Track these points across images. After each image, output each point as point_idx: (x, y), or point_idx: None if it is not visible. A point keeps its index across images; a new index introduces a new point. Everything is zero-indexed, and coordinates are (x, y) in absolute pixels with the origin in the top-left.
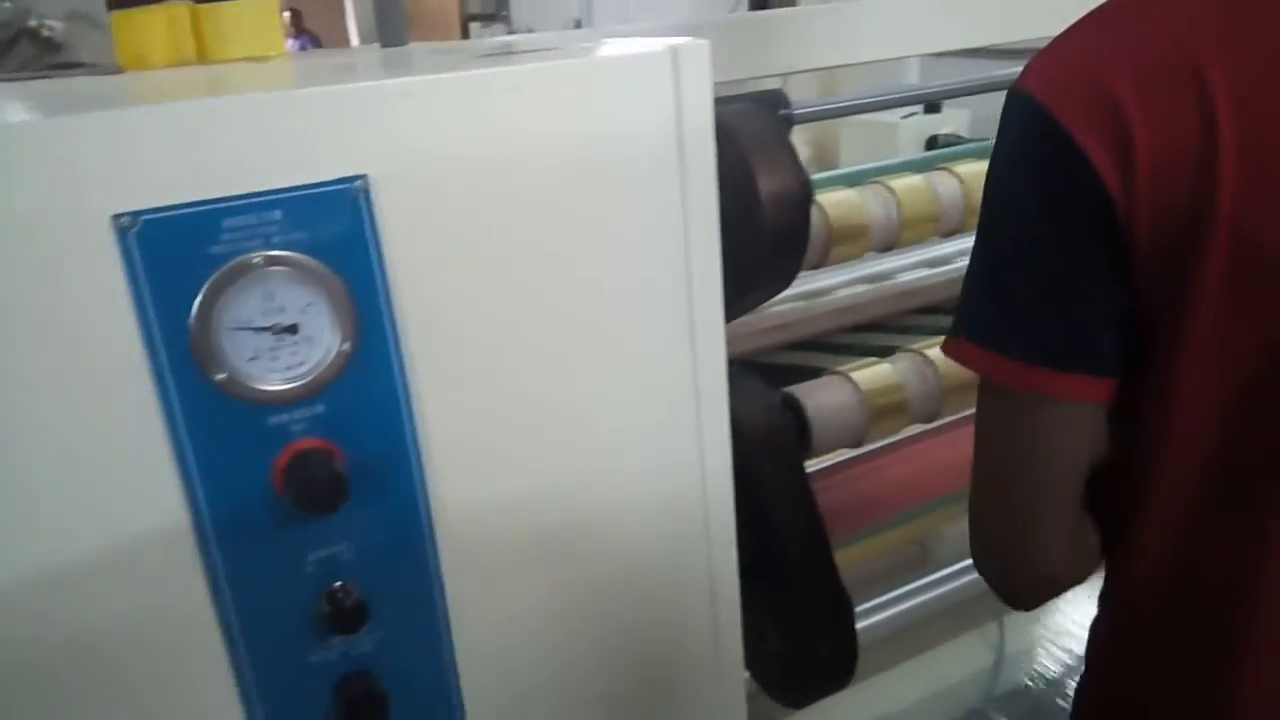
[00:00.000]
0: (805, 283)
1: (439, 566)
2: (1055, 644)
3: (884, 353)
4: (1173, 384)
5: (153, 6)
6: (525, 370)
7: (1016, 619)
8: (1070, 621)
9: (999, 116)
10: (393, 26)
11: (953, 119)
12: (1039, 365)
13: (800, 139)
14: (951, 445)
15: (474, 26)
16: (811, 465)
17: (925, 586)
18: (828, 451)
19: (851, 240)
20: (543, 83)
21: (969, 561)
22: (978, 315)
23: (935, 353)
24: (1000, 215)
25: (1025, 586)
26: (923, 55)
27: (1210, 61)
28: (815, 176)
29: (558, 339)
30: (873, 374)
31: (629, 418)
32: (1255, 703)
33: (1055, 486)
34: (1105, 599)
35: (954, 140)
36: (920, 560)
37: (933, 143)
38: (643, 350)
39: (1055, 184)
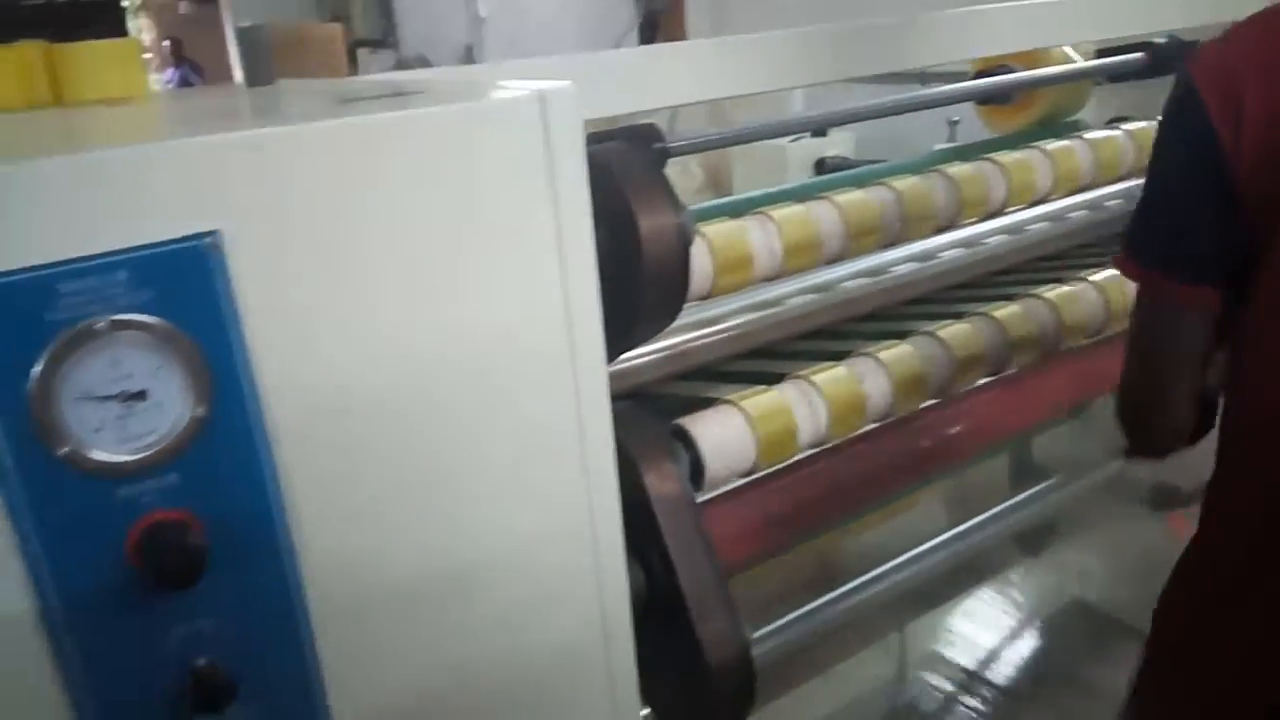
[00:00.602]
0: (694, 313)
1: (311, 637)
2: (955, 652)
3: (773, 379)
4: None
5: (4, 46)
6: (397, 426)
7: (915, 630)
8: (967, 629)
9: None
10: (258, 65)
11: (839, 142)
12: (1175, 280)
13: (694, 164)
14: (835, 471)
15: (362, 53)
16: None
17: (828, 604)
18: (721, 482)
19: (736, 270)
20: (402, 132)
21: (871, 574)
22: (1136, 239)
23: (822, 378)
24: (1158, 163)
25: (1157, 435)
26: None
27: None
28: (696, 207)
29: (430, 393)
30: (761, 401)
31: (510, 468)
32: None
33: (1185, 365)
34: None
35: (841, 162)
36: (822, 576)
37: (821, 165)
38: (521, 399)
39: (1191, 140)
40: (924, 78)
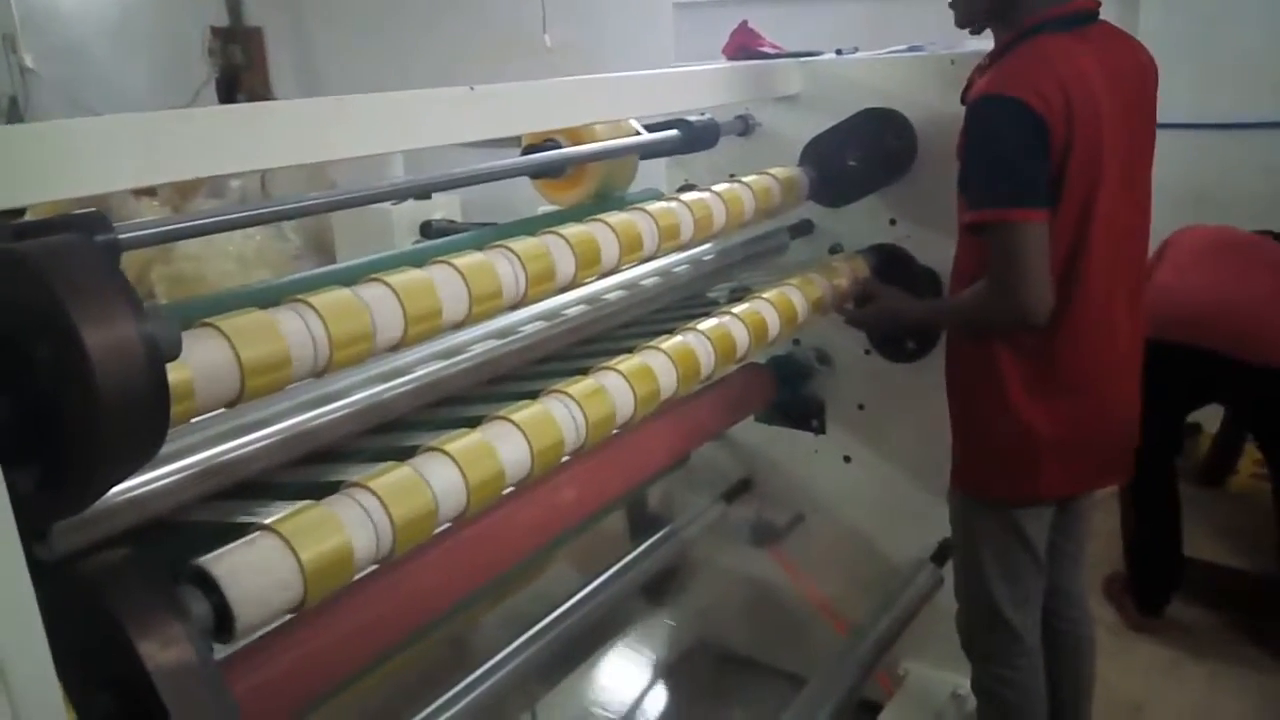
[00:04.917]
0: (229, 419)
1: None
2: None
3: (323, 490)
4: (1090, 216)
5: None
6: None
7: (550, 703)
8: (600, 692)
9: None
10: None
11: (445, 204)
12: (1035, 209)
13: (288, 228)
14: (411, 580)
15: None
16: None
17: (460, 693)
18: (260, 626)
19: (269, 372)
20: None
21: (503, 654)
22: (999, 197)
23: (381, 482)
24: (1003, 149)
25: (1040, 312)
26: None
27: (1072, 83)
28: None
29: None
30: (305, 521)
31: None
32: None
33: (1046, 260)
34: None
35: (448, 225)
36: (460, 660)
37: (426, 227)
38: None
39: (1028, 128)
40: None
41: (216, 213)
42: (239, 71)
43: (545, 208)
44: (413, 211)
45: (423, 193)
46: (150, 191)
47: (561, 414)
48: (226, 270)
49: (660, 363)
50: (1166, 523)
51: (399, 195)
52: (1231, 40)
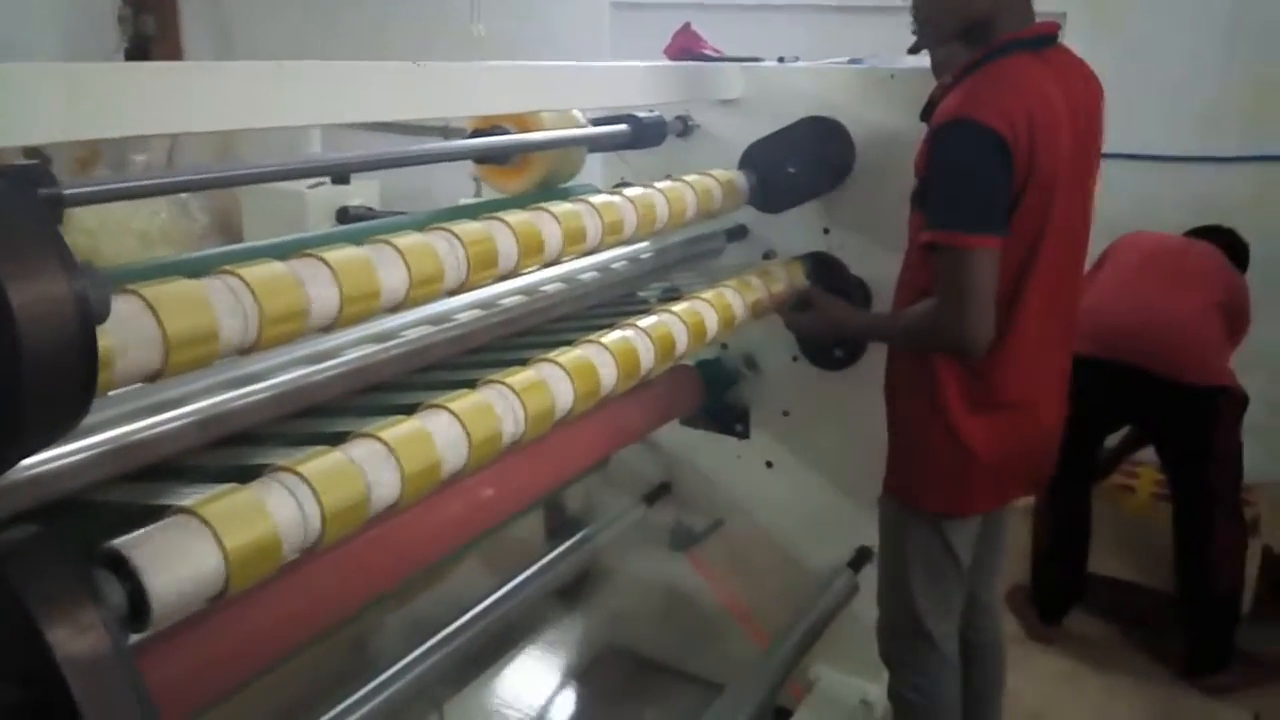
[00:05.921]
0: (148, 395)
1: None
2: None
3: (249, 474)
4: (1041, 240)
5: None
6: None
7: (456, 708)
8: (509, 695)
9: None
10: None
11: (363, 190)
12: (992, 235)
13: (194, 206)
14: (336, 570)
15: None
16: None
17: (367, 695)
18: (177, 614)
19: (196, 345)
20: None
21: (412, 655)
22: (957, 217)
23: (311, 467)
24: (965, 172)
25: (980, 342)
26: (325, 125)
27: (1038, 111)
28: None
29: None
30: (231, 505)
31: None
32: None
33: (992, 290)
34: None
35: (365, 212)
36: (361, 664)
37: (343, 214)
38: None
39: (994, 155)
40: (447, 132)
41: (165, 174)
42: (149, 41)
43: (465, 199)
44: (329, 196)
45: (344, 173)
46: (45, 159)
47: (501, 405)
48: (127, 247)
49: (601, 357)
50: (1076, 536)
51: (344, 170)
52: (1153, 73)
